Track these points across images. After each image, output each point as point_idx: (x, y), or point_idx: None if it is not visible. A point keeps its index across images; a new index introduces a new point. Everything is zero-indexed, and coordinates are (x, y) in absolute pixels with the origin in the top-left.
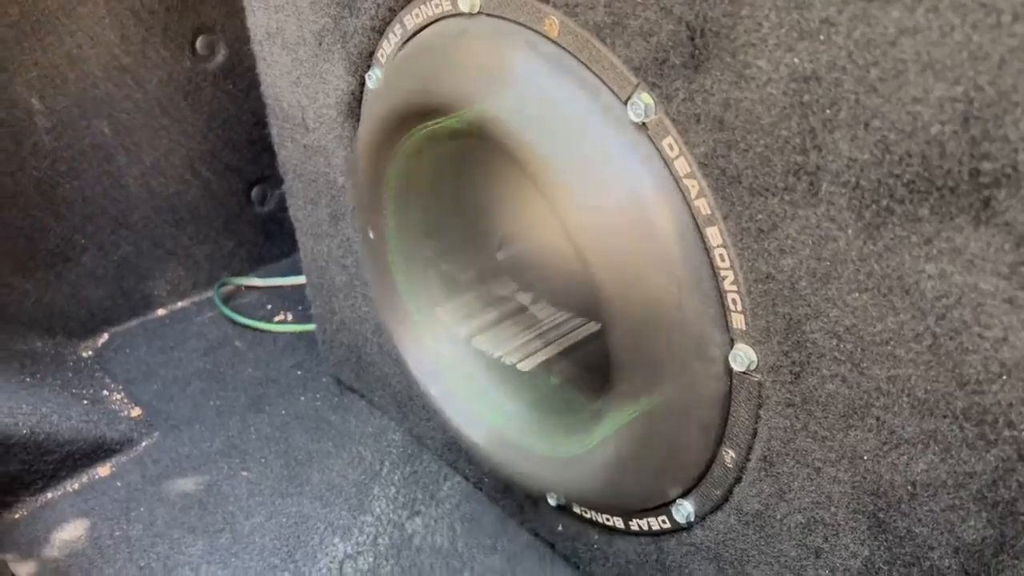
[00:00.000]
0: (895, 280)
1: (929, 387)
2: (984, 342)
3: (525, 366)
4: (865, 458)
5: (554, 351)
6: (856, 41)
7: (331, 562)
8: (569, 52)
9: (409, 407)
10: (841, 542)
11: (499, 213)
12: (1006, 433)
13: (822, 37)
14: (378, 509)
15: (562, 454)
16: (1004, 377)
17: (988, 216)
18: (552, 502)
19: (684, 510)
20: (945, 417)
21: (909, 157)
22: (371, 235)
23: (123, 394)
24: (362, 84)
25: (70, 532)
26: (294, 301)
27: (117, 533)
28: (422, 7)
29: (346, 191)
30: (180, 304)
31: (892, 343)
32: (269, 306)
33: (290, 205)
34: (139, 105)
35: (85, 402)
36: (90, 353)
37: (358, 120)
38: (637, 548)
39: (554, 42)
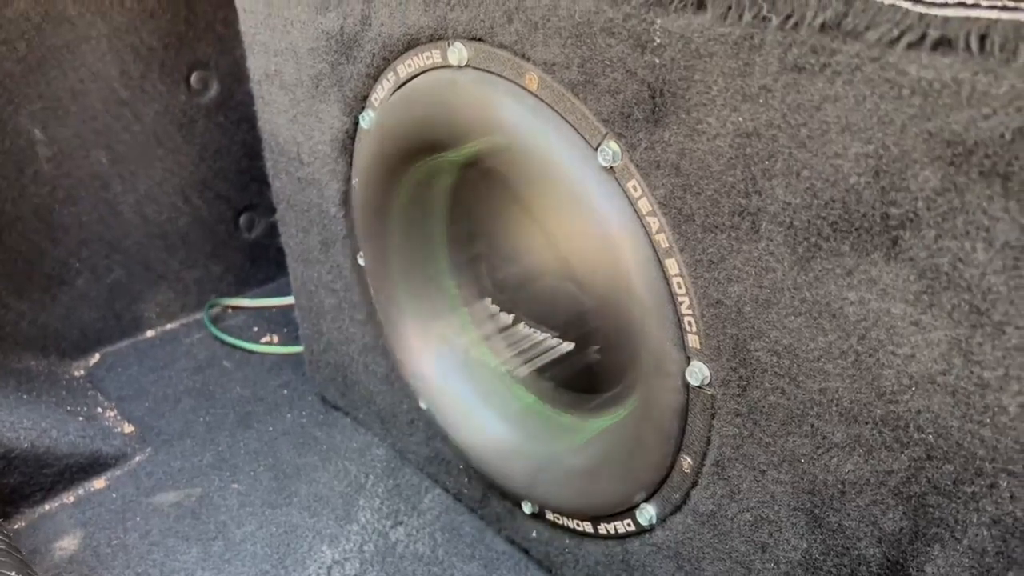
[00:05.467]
0: (823, 306)
1: (854, 397)
2: (896, 358)
3: (520, 373)
4: (802, 461)
5: (546, 360)
6: (789, 105)
7: (319, 568)
8: (547, 103)
9: (392, 423)
10: (784, 537)
11: (495, 236)
12: (916, 436)
13: (761, 100)
14: (363, 519)
15: (546, 457)
16: (913, 388)
17: (896, 252)
18: (527, 510)
19: (647, 513)
20: (867, 423)
21: (833, 202)
22: (360, 261)
23: (116, 411)
24: (356, 124)
25: (68, 541)
26: (280, 323)
27: (115, 542)
28: (414, 58)
29: (337, 220)
30: (169, 326)
31: (822, 360)
32: (255, 328)
33: (282, 233)
34: (136, 136)
35: (80, 418)
36: (82, 372)
37: (351, 156)
38: (604, 550)
39: (534, 94)
